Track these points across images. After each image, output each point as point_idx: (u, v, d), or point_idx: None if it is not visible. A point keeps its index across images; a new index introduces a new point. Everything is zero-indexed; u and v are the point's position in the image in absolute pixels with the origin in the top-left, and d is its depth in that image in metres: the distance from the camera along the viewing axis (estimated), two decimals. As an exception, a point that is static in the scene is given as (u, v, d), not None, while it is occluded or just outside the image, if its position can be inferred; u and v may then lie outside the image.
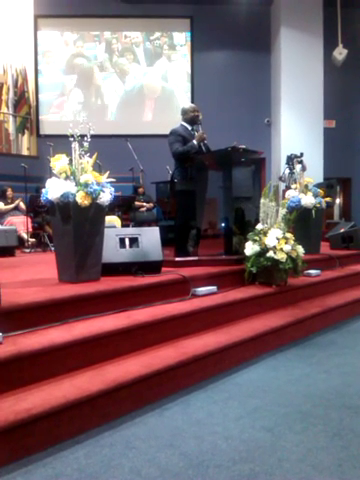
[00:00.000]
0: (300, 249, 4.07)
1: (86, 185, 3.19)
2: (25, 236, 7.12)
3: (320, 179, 9.17)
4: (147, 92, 10.92)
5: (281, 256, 3.88)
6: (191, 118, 4.79)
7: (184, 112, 4.86)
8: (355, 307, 4.56)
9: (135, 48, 10.89)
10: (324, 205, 5.42)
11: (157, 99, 10.95)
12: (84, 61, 10.79)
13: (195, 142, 4.63)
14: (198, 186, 4.61)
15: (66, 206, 3.19)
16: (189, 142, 4.63)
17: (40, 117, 10.57)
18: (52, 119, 10.60)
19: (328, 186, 7.35)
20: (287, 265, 3.92)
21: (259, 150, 4.92)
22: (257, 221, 4.24)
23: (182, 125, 4.82)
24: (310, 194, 5.30)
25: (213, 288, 3.72)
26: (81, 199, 3.15)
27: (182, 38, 10.96)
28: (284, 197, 5.59)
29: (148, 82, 10.92)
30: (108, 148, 8.65)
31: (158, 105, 10.92)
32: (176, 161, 4.74)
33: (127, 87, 10.89)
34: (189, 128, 4.80)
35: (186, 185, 4.62)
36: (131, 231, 3.99)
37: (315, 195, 5.33)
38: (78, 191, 3.16)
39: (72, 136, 3.26)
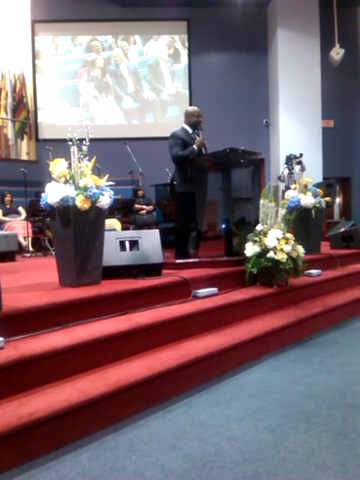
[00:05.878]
0: (300, 249, 4.07)
1: (85, 189, 3.20)
2: (23, 241, 7.13)
3: (319, 179, 9.18)
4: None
5: (281, 256, 3.88)
6: (194, 122, 4.74)
7: (188, 115, 4.80)
8: (356, 306, 4.55)
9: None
10: (324, 205, 5.43)
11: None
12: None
13: (195, 147, 4.62)
14: (198, 188, 4.61)
15: (66, 210, 3.20)
16: (189, 145, 4.62)
17: (39, 121, 10.59)
18: (51, 123, 10.62)
19: (327, 186, 7.36)
20: (288, 265, 3.92)
21: (258, 151, 4.94)
22: (257, 222, 4.24)
23: (183, 128, 4.78)
24: (309, 194, 5.31)
25: (214, 289, 3.72)
26: (81, 203, 3.16)
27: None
28: (284, 197, 5.59)
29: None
30: (107, 151, 8.67)
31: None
32: (175, 164, 4.74)
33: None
34: (190, 131, 4.76)
35: (186, 187, 4.62)
36: (131, 234, 4.00)
37: (315, 195, 5.34)
38: (77, 195, 3.18)
39: (71, 140, 3.27)
